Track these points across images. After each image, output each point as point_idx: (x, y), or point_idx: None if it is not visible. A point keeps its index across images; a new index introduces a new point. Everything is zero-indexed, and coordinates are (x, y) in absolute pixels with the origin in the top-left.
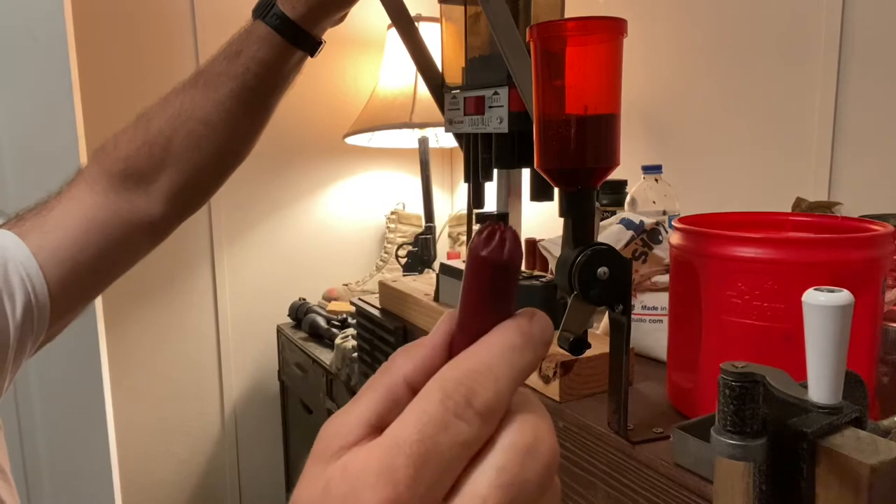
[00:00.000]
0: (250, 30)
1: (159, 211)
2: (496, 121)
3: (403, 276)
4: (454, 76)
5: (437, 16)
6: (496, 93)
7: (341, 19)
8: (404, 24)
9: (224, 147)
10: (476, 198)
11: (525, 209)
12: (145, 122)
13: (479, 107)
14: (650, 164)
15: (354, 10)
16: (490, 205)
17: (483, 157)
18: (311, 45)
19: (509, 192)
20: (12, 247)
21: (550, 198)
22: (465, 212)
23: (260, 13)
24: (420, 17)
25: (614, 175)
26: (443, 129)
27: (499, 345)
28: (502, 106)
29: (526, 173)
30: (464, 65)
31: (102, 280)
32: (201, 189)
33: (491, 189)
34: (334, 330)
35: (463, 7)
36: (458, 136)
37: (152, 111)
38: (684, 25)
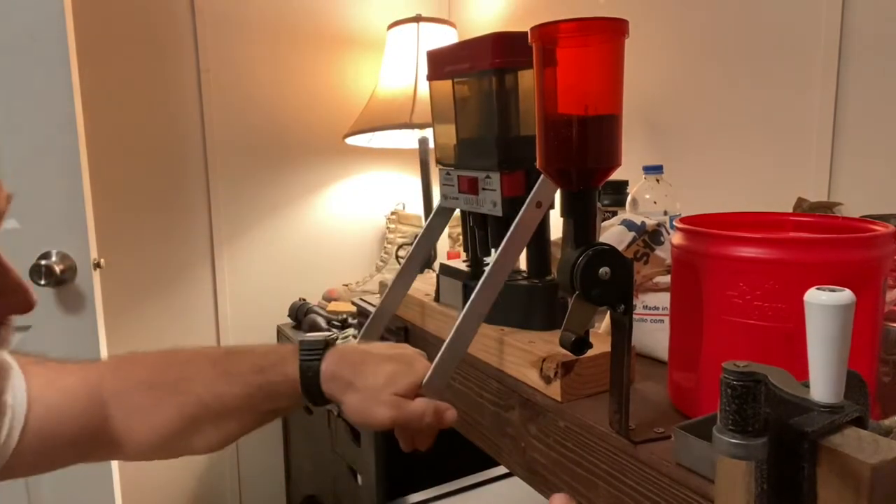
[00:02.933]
0: (287, 373)
1: (121, 447)
2: (490, 204)
3: None
4: (446, 153)
5: (438, 16)
6: (488, 176)
7: None
8: None
9: (200, 437)
10: (475, 272)
11: None
12: (156, 376)
13: (472, 187)
14: (651, 165)
15: (354, 11)
16: None
17: (479, 233)
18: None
19: None
20: (16, 375)
21: (547, 274)
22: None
23: (304, 378)
24: (420, 18)
25: (615, 175)
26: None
27: None
28: (495, 190)
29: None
30: (455, 142)
31: (67, 460)
32: (167, 453)
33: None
34: (334, 330)
35: (451, 88)
36: None
37: (168, 369)
38: (685, 26)
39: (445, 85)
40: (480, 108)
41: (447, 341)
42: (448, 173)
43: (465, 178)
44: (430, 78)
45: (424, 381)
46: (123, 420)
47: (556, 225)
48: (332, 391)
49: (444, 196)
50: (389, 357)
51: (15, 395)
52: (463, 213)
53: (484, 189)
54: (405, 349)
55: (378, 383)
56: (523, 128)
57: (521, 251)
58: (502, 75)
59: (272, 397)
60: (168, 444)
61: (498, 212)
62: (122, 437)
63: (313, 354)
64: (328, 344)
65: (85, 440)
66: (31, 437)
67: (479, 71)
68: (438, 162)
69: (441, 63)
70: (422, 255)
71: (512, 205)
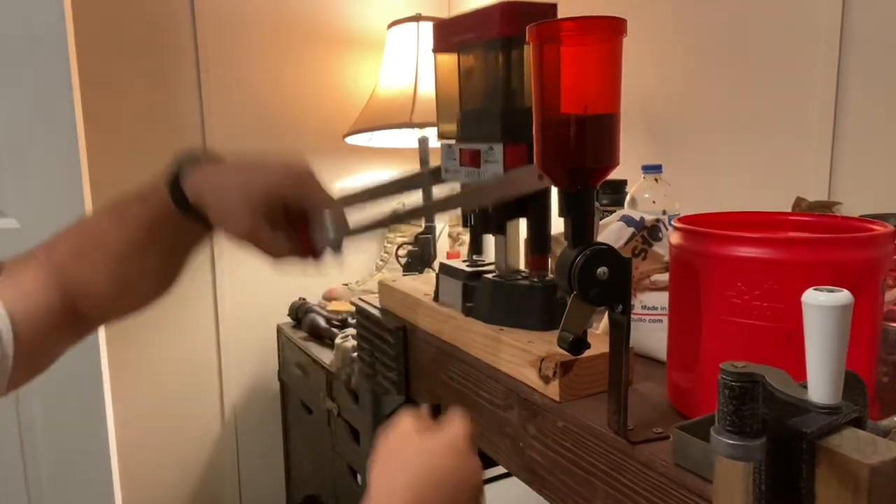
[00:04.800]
0: (159, 187)
1: (93, 315)
2: (492, 176)
3: (403, 276)
4: (449, 126)
5: (437, 15)
6: (491, 148)
7: None
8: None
9: (132, 282)
10: (475, 247)
11: None
12: (76, 243)
13: (474, 160)
14: (650, 164)
15: (354, 10)
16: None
17: (480, 209)
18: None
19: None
20: None
21: (547, 252)
22: None
23: (168, 180)
24: (420, 17)
25: (614, 175)
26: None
27: None
28: (497, 162)
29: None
30: (458, 115)
31: (53, 357)
32: (127, 307)
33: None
34: (334, 330)
35: (456, 60)
36: None
37: (83, 233)
38: (685, 25)
39: (451, 58)
40: (486, 78)
41: None
42: (450, 147)
43: (467, 151)
44: (436, 50)
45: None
46: (78, 292)
47: (556, 224)
48: (195, 198)
49: (445, 170)
50: (246, 166)
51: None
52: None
53: (486, 161)
54: (272, 158)
55: (231, 199)
56: (528, 99)
57: None
58: (509, 45)
59: (159, 221)
60: (118, 297)
61: None
62: (87, 310)
63: (177, 166)
64: (202, 158)
65: (66, 327)
66: (24, 347)
67: (486, 40)
68: (441, 137)
69: (447, 34)
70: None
71: None
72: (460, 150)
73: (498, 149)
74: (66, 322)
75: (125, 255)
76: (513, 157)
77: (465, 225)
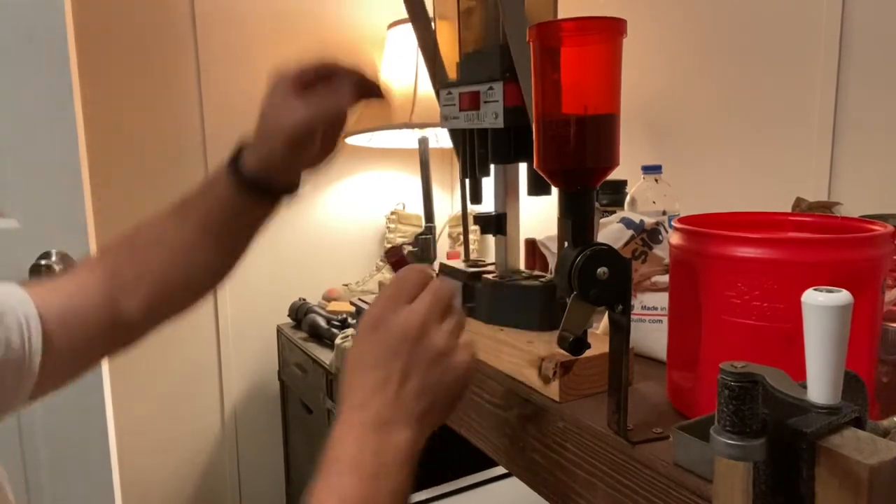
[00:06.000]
0: (219, 170)
1: (136, 318)
2: (492, 116)
3: None
4: (449, 72)
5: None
6: (491, 88)
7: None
8: (421, 21)
9: (189, 276)
10: (474, 193)
11: (524, 210)
12: (129, 243)
13: (473, 102)
14: (650, 165)
15: (354, 10)
16: (487, 198)
17: (479, 151)
18: (282, 192)
19: (507, 190)
20: (16, 295)
21: (548, 192)
22: None
23: (228, 161)
24: None
25: (614, 175)
26: (443, 128)
27: None
28: (497, 101)
29: (523, 168)
30: (458, 60)
31: (84, 365)
32: (174, 307)
33: (487, 184)
34: (334, 330)
35: (455, 1)
36: (452, 134)
37: (139, 233)
38: (684, 25)
39: (450, 4)
40: (485, 16)
41: None
42: (449, 92)
43: (467, 94)
44: None
45: None
46: (124, 299)
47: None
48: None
49: (444, 117)
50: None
51: (28, 316)
52: (462, 135)
53: (486, 102)
54: None
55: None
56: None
57: None
58: None
59: (217, 209)
60: (169, 296)
61: (499, 123)
62: (133, 312)
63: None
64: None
65: (107, 331)
66: (58, 344)
67: None
68: (439, 86)
69: None
70: None
71: (513, 115)
72: (459, 94)
73: (498, 87)
74: (107, 325)
75: (180, 249)
76: (512, 95)
77: (475, 223)
